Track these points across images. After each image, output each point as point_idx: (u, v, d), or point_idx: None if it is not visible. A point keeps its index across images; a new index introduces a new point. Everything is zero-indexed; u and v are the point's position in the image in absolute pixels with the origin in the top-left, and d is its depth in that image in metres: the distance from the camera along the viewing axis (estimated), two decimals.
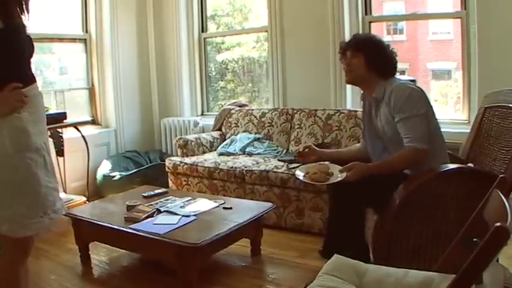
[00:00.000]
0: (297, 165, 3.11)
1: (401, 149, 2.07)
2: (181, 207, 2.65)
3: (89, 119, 4.45)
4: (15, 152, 1.45)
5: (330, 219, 2.31)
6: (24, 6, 1.52)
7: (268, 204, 2.75)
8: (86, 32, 4.39)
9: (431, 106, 2.16)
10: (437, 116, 2.18)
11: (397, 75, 2.29)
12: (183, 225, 2.37)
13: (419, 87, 2.18)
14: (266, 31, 4.13)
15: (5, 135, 1.44)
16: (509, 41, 2.97)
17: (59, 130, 3.59)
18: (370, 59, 2.19)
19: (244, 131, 4.01)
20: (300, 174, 2.20)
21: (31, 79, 1.56)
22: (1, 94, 1.43)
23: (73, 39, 4.35)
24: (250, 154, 3.67)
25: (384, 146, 2.22)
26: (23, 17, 1.52)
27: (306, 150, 2.40)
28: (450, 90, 3.74)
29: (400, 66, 2.31)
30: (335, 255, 1.52)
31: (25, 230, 1.49)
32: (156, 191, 2.97)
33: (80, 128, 3.69)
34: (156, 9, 4.67)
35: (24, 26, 1.52)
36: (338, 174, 2.10)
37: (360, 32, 3.58)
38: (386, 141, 2.20)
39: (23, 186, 1.48)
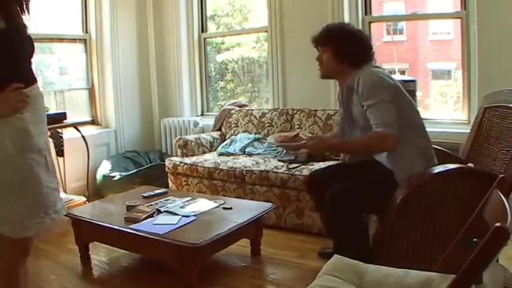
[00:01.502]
0: (297, 165, 3.13)
1: (370, 132, 2.07)
2: (181, 207, 2.65)
3: (89, 119, 4.44)
4: (17, 153, 1.45)
5: (328, 229, 2.22)
6: (24, 6, 1.52)
7: (268, 205, 2.75)
8: (86, 32, 4.39)
9: (405, 95, 2.13)
10: (436, 116, 2.18)
11: (379, 64, 2.23)
12: (183, 225, 2.37)
13: (390, 76, 2.14)
14: (266, 31, 4.14)
15: (6, 136, 1.44)
16: (509, 41, 2.97)
17: (59, 130, 3.58)
18: (338, 52, 2.17)
19: (244, 131, 4.00)
20: (271, 140, 2.49)
21: (32, 79, 1.55)
22: (3, 94, 1.43)
23: (73, 40, 4.35)
24: (250, 154, 3.66)
25: (362, 134, 2.19)
26: (23, 17, 1.51)
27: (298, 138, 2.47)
28: (450, 90, 3.74)
29: (400, 66, 2.30)
30: (335, 255, 1.52)
31: (25, 230, 1.49)
32: (156, 191, 2.97)
33: (79, 128, 3.69)
34: (156, 10, 4.67)
35: (25, 26, 1.51)
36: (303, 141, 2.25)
37: None
38: (362, 130, 2.17)
39: (24, 186, 1.48)
